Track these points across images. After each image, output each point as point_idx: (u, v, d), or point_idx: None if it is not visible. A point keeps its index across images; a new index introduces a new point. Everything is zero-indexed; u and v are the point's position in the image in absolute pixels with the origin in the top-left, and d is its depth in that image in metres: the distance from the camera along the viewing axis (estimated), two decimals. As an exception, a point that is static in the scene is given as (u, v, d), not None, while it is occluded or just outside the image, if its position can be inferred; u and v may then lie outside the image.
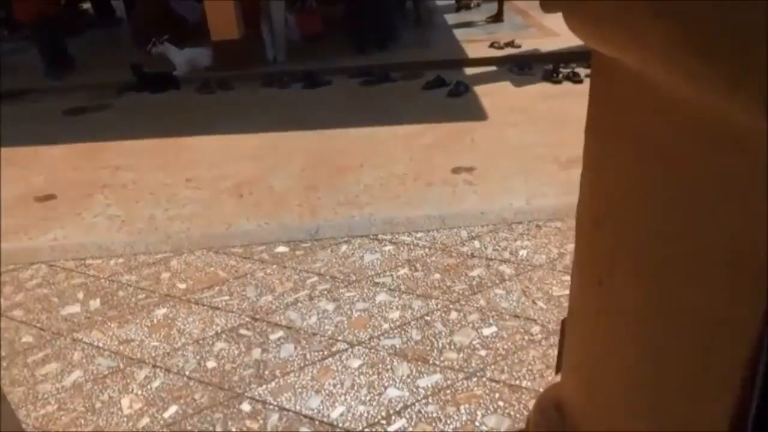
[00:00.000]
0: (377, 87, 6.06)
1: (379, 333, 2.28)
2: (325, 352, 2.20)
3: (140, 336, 2.38)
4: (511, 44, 6.84)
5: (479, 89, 5.70)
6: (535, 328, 2.24)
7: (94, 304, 2.62)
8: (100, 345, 2.35)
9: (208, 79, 6.26)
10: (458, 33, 7.80)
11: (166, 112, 5.69)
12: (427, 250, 2.82)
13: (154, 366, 2.20)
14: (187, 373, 2.16)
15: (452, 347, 2.17)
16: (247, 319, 2.43)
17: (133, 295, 2.66)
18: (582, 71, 5.61)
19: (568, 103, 4.73)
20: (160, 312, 2.52)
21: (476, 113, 5.08)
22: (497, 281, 2.53)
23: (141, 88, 6.31)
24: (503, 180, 3.71)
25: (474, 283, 2.54)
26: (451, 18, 8.82)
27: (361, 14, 6.92)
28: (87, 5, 10.85)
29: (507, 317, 2.30)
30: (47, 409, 2.04)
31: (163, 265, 2.88)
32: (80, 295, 2.69)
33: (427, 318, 2.34)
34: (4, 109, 6.07)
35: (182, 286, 2.70)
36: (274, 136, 4.88)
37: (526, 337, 2.19)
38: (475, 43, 7.15)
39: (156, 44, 6.51)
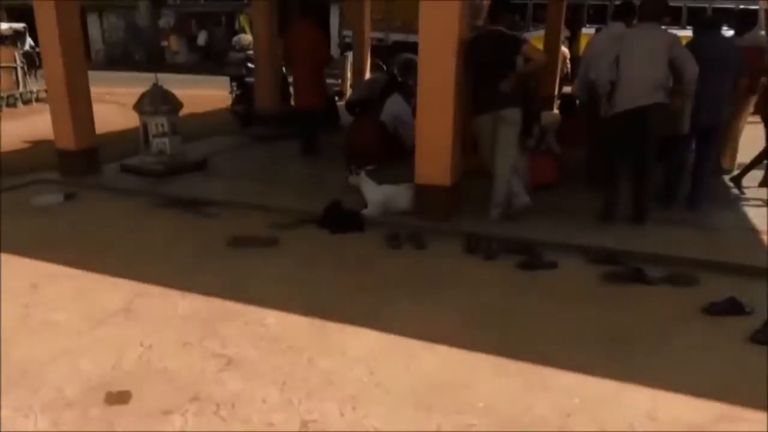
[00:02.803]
0: (626, 290, 4.10)
1: None
2: None
3: None
4: None
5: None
6: None
7: None
8: None
9: (398, 232, 4.93)
10: (757, 218, 5.41)
11: (332, 269, 4.42)
12: None
13: None
14: None
15: None
16: None
17: None
18: None
19: None
20: None
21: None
22: None
23: (322, 223, 5.24)
24: None
25: None
26: (750, 191, 6.15)
27: (618, 162, 5.06)
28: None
29: None
30: None
31: None
32: None
33: None
34: (175, 220, 5.46)
35: None
36: (459, 358, 3.22)
37: None
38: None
39: (353, 172, 5.45)
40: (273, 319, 3.64)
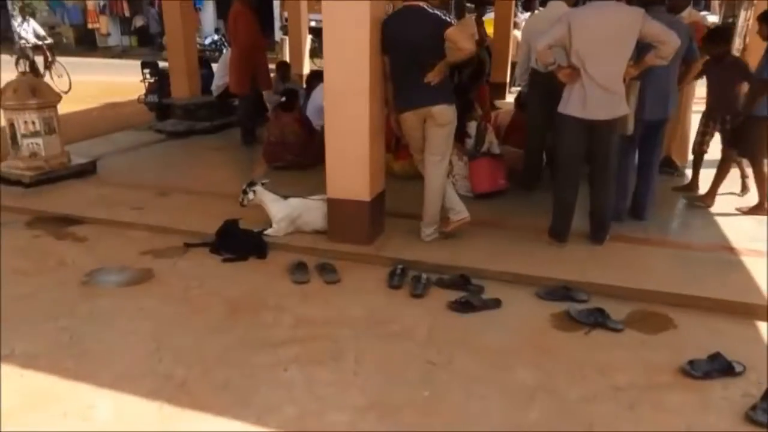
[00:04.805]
0: (584, 342, 3.22)
1: None
2: None
3: None
4: None
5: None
6: None
7: None
8: None
9: (304, 261, 3.94)
10: (732, 232, 4.60)
11: (209, 317, 3.38)
12: None
13: None
14: None
15: None
16: None
17: None
18: None
19: None
20: None
21: None
22: None
23: (215, 248, 4.21)
24: None
25: None
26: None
27: (574, 172, 4.16)
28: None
29: None
30: None
31: None
32: None
33: None
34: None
35: None
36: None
37: None
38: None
39: (247, 191, 4.38)
40: (105, 404, 2.61)
